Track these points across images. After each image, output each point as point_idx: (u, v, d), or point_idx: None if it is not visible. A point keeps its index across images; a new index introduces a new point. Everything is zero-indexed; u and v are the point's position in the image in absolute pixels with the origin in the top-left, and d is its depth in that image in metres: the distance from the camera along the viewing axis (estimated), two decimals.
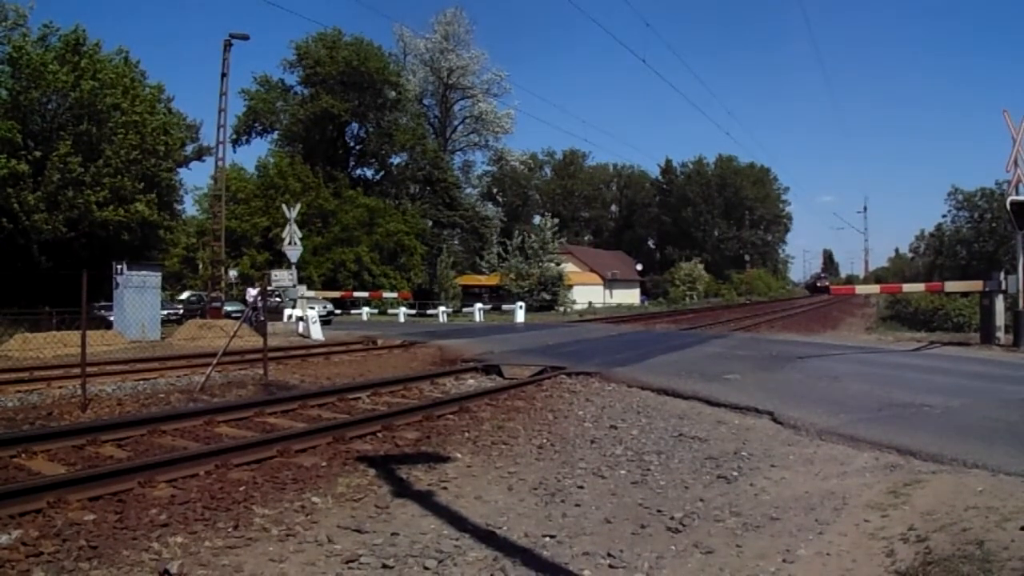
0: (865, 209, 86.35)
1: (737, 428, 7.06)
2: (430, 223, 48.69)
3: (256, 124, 47.20)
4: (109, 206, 23.03)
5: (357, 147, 50.07)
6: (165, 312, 22.88)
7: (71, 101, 23.10)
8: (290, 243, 22.32)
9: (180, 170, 31.78)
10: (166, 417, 7.29)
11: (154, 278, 19.45)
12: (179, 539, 3.93)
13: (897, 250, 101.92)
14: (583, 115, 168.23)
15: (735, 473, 5.41)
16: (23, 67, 22.27)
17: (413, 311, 37.32)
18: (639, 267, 74.06)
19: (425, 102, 55.83)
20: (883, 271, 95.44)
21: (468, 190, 57.63)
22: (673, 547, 3.97)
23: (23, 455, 5.74)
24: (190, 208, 44.83)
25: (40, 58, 22.48)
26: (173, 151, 27.97)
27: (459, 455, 5.97)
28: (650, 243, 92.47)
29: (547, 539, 4.08)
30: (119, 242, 23.74)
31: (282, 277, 22.18)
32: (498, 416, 7.61)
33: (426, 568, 3.63)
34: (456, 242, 52.77)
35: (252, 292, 21.95)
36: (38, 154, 22.26)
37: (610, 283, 65.34)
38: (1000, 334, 14.38)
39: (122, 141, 23.55)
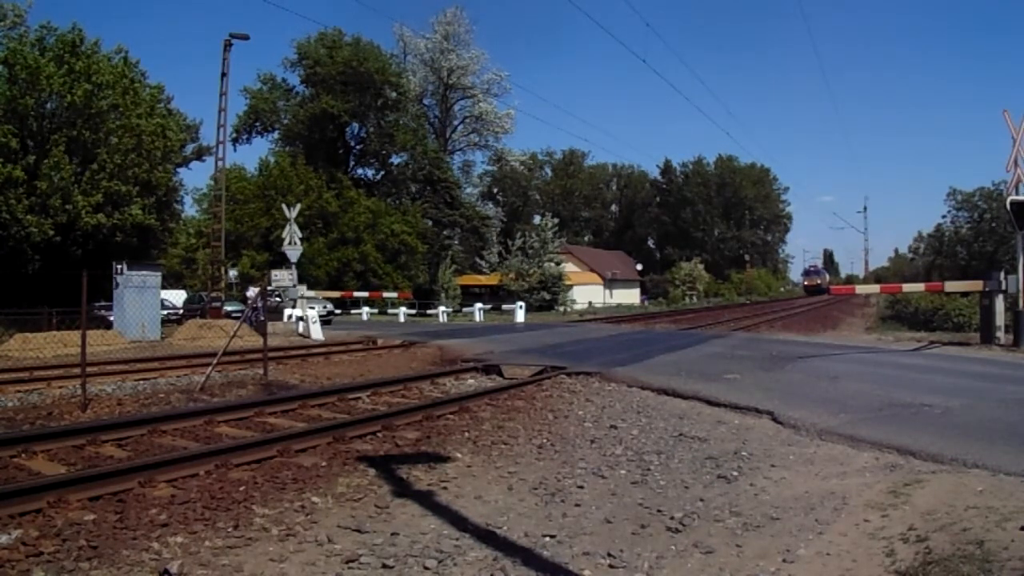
0: (865, 209, 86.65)
1: (737, 428, 7.05)
2: (430, 223, 48.68)
3: (257, 123, 47.24)
4: (102, 211, 22.96)
5: (357, 147, 50.11)
6: (165, 312, 22.88)
7: (67, 103, 23.05)
8: (290, 243, 22.32)
9: (180, 170, 31.78)
10: (166, 417, 7.28)
11: (154, 278, 19.46)
12: (179, 539, 3.93)
13: (897, 250, 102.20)
14: (583, 115, 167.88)
15: (735, 473, 5.41)
16: (19, 70, 22.23)
17: (413, 311, 37.35)
18: (639, 267, 74.04)
19: (425, 102, 55.91)
20: (883, 271, 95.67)
21: (468, 190, 57.71)
22: (673, 547, 3.97)
23: (23, 455, 5.73)
24: (190, 208, 44.85)
25: (35, 60, 22.42)
26: (172, 153, 27.92)
27: (459, 455, 5.97)
28: (650, 243, 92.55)
29: (547, 539, 4.08)
30: (114, 244, 23.70)
31: (282, 277, 22.19)
32: (498, 416, 7.60)
33: (426, 568, 3.63)
34: (456, 242, 52.75)
35: (252, 292, 21.96)
36: (33, 158, 22.20)
37: (610, 283, 65.38)
38: (1000, 334, 14.37)
39: (117, 145, 23.48)
